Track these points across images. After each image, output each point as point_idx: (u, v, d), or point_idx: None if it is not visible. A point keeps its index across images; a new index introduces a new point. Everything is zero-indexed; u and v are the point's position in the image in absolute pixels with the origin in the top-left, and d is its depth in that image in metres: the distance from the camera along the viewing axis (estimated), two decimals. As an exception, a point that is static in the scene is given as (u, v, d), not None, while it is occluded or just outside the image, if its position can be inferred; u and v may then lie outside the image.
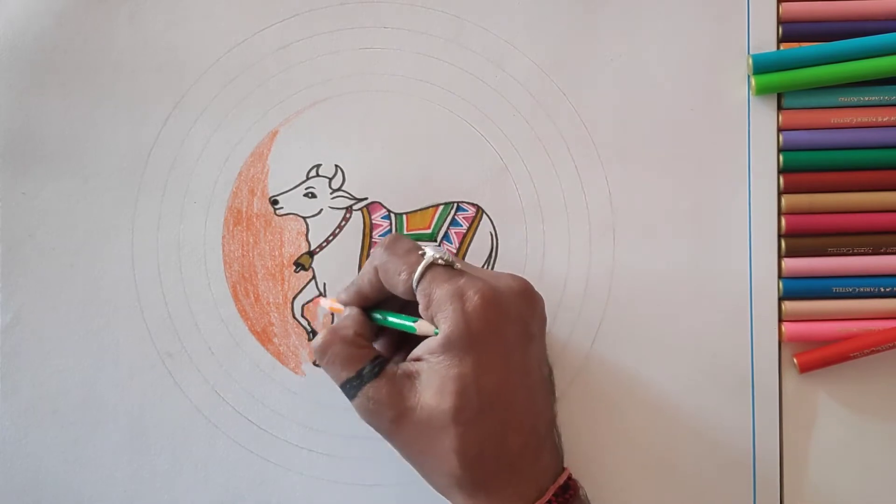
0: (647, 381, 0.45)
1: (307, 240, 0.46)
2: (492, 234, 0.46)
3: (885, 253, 0.45)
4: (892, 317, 0.45)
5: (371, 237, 0.46)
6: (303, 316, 0.46)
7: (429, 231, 0.46)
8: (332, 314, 0.45)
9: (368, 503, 0.45)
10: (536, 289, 0.40)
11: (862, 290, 0.45)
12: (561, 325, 0.46)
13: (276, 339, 0.46)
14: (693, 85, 0.46)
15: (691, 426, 0.45)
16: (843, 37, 0.45)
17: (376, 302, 0.42)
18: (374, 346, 0.41)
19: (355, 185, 0.46)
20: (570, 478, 0.39)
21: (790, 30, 0.46)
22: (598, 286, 0.46)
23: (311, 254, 0.46)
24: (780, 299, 0.46)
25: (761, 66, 0.45)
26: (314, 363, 0.46)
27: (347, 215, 0.46)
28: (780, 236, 0.46)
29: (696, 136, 0.46)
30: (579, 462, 0.45)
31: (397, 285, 0.39)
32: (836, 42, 0.45)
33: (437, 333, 0.38)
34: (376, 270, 0.40)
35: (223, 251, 0.46)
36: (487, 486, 0.37)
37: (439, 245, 0.46)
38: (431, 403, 0.37)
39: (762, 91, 0.45)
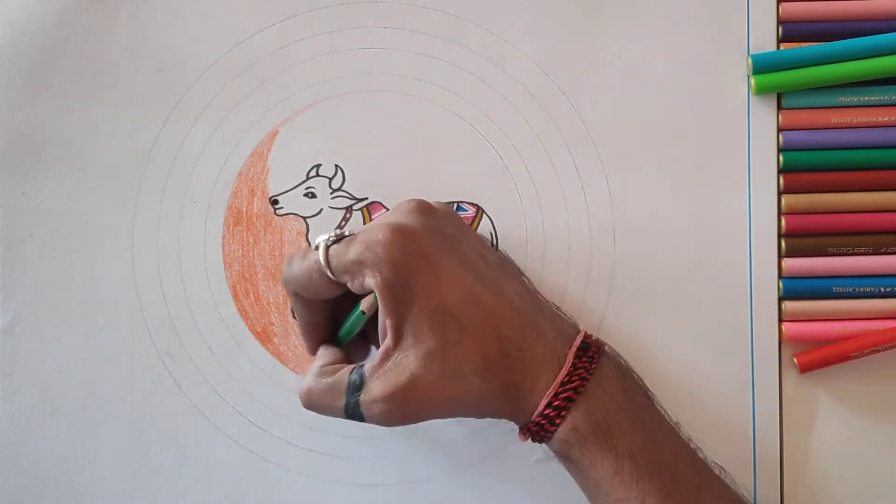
0: (646, 381, 0.45)
1: (307, 240, 0.46)
2: (492, 234, 0.46)
3: (885, 253, 0.45)
4: (892, 317, 0.45)
5: (371, 237, 0.46)
6: (303, 316, 0.46)
7: (429, 231, 0.46)
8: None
9: (368, 503, 0.45)
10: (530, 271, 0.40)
11: (862, 290, 0.45)
12: (561, 325, 0.46)
13: (276, 339, 0.46)
14: (693, 85, 0.46)
15: (691, 426, 0.45)
16: (843, 37, 0.45)
17: (329, 327, 0.42)
18: (347, 362, 0.40)
19: (355, 185, 0.46)
20: (587, 337, 0.39)
21: (790, 30, 0.46)
22: (598, 286, 0.46)
23: (311, 254, 0.46)
24: (780, 299, 0.46)
25: (761, 66, 0.45)
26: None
27: (347, 215, 0.46)
28: (780, 236, 0.46)
29: (696, 136, 0.46)
30: (579, 462, 0.45)
31: (319, 288, 0.39)
32: (836, 42, 0.45)
33: (375, 296, 0.37)
34: (294, 293, 0.40)
35: (223, 251, 0.46)
36: (506, 377, 0.37)
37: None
38: (419, 353, 0.37)
39: (762, 91, 0.45)
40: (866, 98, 0.45)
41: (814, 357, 0.45)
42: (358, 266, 0.37)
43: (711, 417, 0.45)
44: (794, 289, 0.45)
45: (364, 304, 0.39)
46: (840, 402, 0.45)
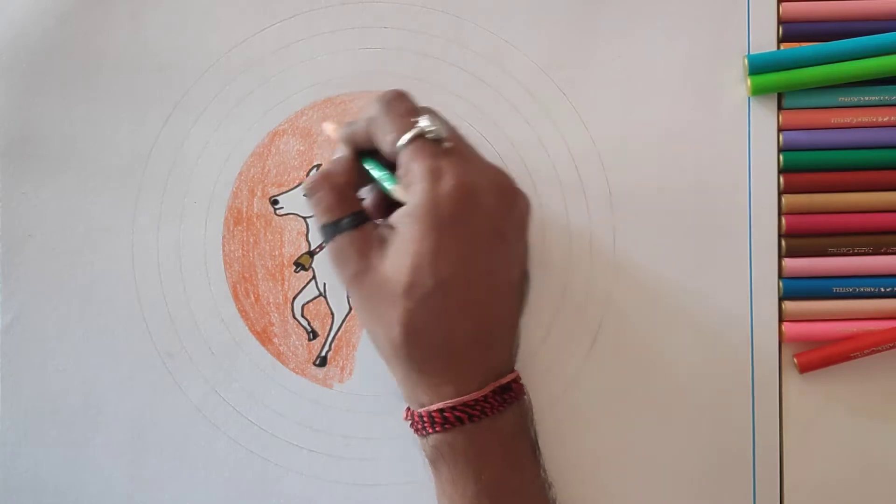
0: (646, 381, 0.45)
1: (307, 240, 0.46)
2: (492, 234, 0.46)
3: (885, 253, 0.45)
4: (892, 317, 0.45)
5: (371, 237, 0.46)
6: (303, 316, 0.46)
7: (429, 231, 0.46)
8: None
9: (368, 503, 0.45)
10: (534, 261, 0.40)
11: (862, 290, 0.45)
12: (561, 326, 0.46)
13: (276, 339, 0.46)
14: (693, 85, 0.46)
15: (691, 426, 0.45)
16: (843, 37, 0.45)
17: (371, 151, 0.40)
18: (358, 199, 0.40)
19: (355, 185, 0.46)
20: (515, 381, 0.39)
21: (790, 30, 0.46)
22: (598, 286, 0.46)
23: (311, 254, 0.46)
24: (780, 299, 0.46)
25: (757, 67, 0.45)
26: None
27: (347, 215, 0.46)
28: (780, 236, 0.46)
29: (696, 136, 0.46)
30: (579, 461, 0.45)
31: (384, 145, 0.38)
32: (835, 42, 0.45)
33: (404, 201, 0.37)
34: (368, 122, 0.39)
35: (223, 251, 0.46)
36: (425, 365, 0.37)
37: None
38: (389, 271, 0.37)
39: (758, 92, 0.45)
40: (866, 98, 0.45)
41: (814, 357, 0.45)
42: (414, 179, 0.37)
43: (711, 417, 0.45)
44: (794, 289, 0.45)
45: (396, 193, 0.38)
46: (840, 402, 0.45)
